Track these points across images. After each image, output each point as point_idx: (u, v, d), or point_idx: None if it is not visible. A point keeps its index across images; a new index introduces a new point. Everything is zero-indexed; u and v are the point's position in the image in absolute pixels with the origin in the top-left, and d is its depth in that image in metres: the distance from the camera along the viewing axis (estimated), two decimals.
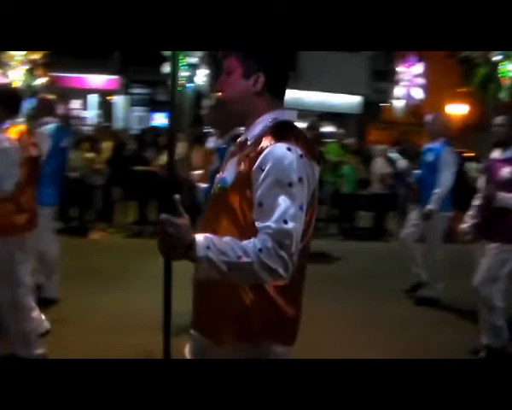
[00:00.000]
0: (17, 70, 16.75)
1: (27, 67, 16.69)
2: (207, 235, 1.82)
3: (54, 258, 5.78)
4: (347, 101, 23.71)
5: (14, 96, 4.34)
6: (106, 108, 23.02)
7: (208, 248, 1.77)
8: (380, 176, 10.68)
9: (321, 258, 8.37)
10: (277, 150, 1.86)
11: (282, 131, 1.93)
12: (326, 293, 6.49)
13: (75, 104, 20.30)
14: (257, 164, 1.87)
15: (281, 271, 1.80)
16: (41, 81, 16.82)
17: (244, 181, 1.91)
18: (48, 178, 5.20)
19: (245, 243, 1.81)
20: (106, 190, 10.49)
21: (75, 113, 18.55)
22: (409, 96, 20.76)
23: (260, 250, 1.78)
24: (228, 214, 1.96)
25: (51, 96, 6.23)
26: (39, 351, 4.25)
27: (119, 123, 21.14)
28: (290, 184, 1.83)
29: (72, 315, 5.37)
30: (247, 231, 1.87)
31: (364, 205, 11.28)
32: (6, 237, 4.07)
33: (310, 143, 1.99)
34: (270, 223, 1.81)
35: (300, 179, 1.86)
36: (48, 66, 16.72)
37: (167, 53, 19.30)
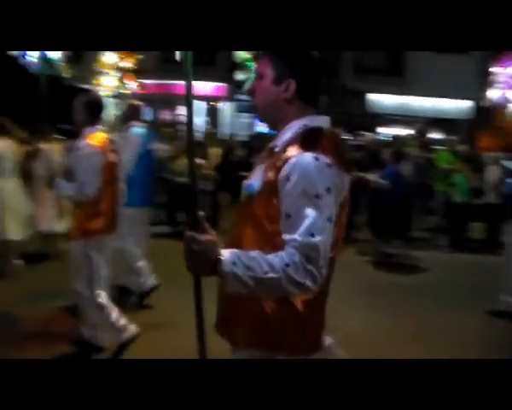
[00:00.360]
0: (110, 77, 17.62)
1: (119, 74, 17.50)
2: (234, 250, 1.80)
3: (135, 258, 5.93)
4: (457, 106, 22.77)
5: (97, 104, 4.54)
6: (213, 114, 23.60)
7: (234, 263, 1.75)
8: (493, 184, 10.15)
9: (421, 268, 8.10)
10: (304, 160, 1.81)
11: (310, 140, 1.88)
12: (426, 305, 6.25)
13: (182, 111, 20.98)
14: (283, 173, 1.83)
15: (309, 284, 1.76)
16: (130, 87, 17.60)
17: (271, 189, 1.87)
18: (135, 181, 5.45)
19: (272, 256, 1.77)
20: (213, 196, 10.66)
21: (182, 119, 19.15)
22: (505, 99, 19.40)
23: (287, 265, 1.74)
24: (253, 222, 1.93)
25: (138, 102, 6.47)
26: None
27: (225, 129, 21.59)
28: (317, 196, 1.78)
29: (182, 318, 5.47)
30: (273, 239, 1.86)
31: (477, 215, 10.74)
32: (85, 240, 4.29)
33: (340, 152, 1.93)
34: (297, 236, 1.77)
35: (328, 190, 1.81)
36: (139, 72, 17.38)
37: (239, 59, 19.90)
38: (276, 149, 1.96)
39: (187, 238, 1.80)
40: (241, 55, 19.46)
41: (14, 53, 7.10)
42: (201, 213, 1.87)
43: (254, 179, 1.99)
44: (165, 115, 23.08)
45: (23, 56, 7.06)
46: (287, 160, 1.84)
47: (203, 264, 1.79)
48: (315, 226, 1.76)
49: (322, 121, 2.01)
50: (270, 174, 1.89)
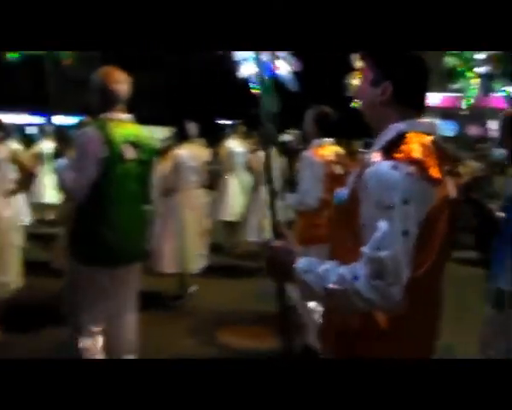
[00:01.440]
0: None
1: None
2: (310, 258, 1.81)
3: None
4: None
5: (325, 118, 4.66)
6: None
7: (307, 272, 1.76)
8: None
9: None
10: (380, 169, 1.71)
11: (393, 147, 1.76)
12: None
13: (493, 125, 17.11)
14: (363, 181, 1.74)
15: (377, 301, 1.65)
16: None
17: (355, 197, 1.79)
18: None
19: (345, 268, 1.72)
20: None
21: (492, 134, 16.29)
22: None
23: (356, 278, 1.67)
24: (343, 231, 1.88)
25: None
26: None
27: None
28: (391, 207, 1.66)
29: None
30: (358, 251, 1.73)
31: None
32: (305, 247, 4.24)
33: (434, 160, 1.75)
34: (366, 249, 1.68)
35: (405, 201, 1.67)
36: None
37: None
38: (367, 156, 1.87)
39: (266, 245, 1.89)
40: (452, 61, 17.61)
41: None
42: (279, 220, 1.94)
43: (346, 188, 1.92)
44: (473, 130, 21.69)
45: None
46: (368, 167, 1.76)
47: (279, 270, 1.85)
48: (384, 240, 1.65)
49: (425, 126, 1.87)
50: (355, 182, 1.82)
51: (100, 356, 3.58)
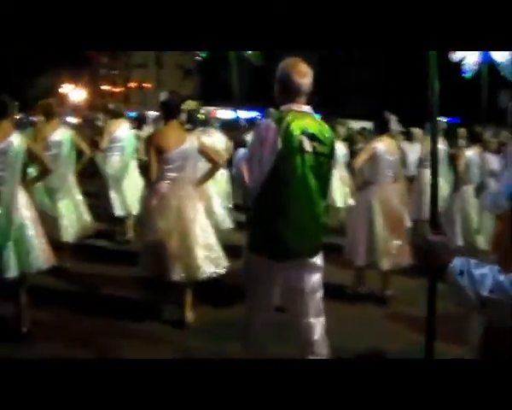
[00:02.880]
0: None
1: None
2: (467, 259, 1.67)
3: None
4: None
5: None
6: None
7: (461, 274, 1.62)
8: None
9: None
10: None
11: None
12: None
13: None
14: None
15: None
16: None
17: None
18: None
19: (505, 277, 1.58)
20: None
21: None
22: None
23: None
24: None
25: None
26: None
27: None
28: None
29: None
30: None
31: None
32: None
33: None
34: None
35: None
36: None
37: None
38: None
39: (421, 237, 1.78)
40: None
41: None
42: (439, 213, 1.83)
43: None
44: None
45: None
46: None
47: (431, 266, 1.74)
48: None
49: None
50: None
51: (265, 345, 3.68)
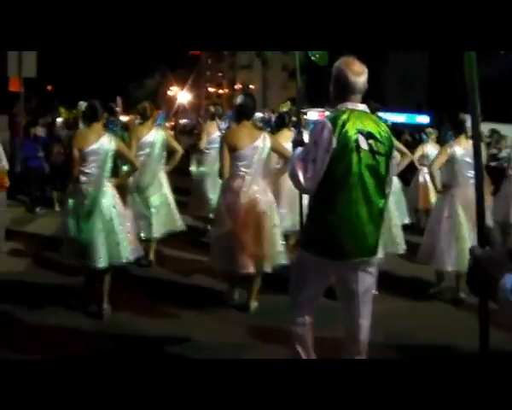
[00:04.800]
0: None
1: None
2: None
3: None
4: None
5: None
6: None
7: None
8: None
9: None
10: None
11: None
12: None
13: None
14: None
15: None
16: None
17: None
18: None
19: None
20: None
21: None
22: None
23: None
24: None
25: None
26: None
27: None
28: None
29: None
30: None
31: None
32: None
33: None
34: None
35: None
36: None
37: None
38: None
39: (470, 250, 1.66)
40: None
41: None
42: (489, 224, 1.73)
43: None
44: None
45: None
46: None
47: (479, 283, 1.60)
48: None
49: None
50: None
51: (309, 346, 3.73)
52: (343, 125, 3.32)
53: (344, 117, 3.36)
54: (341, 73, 3.46)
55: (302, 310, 3.68)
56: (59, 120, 12.09)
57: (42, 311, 5.49)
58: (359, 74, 3.45)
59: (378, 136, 3.43)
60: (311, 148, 3.40)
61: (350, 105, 3.45)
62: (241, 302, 5.77)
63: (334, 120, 3.36)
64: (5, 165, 7.73)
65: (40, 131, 11.21)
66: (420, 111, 35.45)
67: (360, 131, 3.35)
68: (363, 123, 3.40)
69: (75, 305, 5.61)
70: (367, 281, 3.58)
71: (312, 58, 4.60)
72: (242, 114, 5.60)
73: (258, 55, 5.11)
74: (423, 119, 33.76)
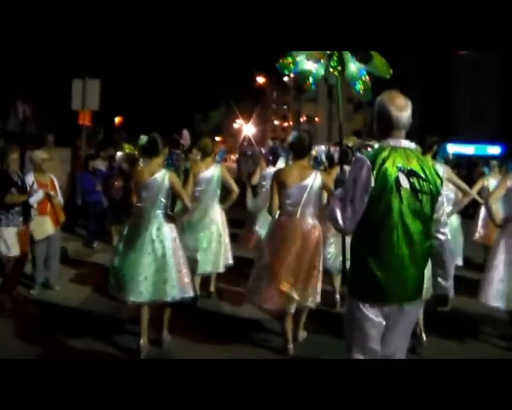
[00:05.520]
0: None
1: None
2: None
3: None
4: None
5: None
6: None
7: None
8: None
9: None
10: None
11: None
12: None
13: None
14: None
15: None
16: None
17: None
18: None
19: None
20: None
21: None
22: None
23: None
24: None
25: None
26: None
27: None
28: None
29: None
30: None
31: None
32: None
33: None
34: None
35: None
36: None
37: None
38: None
39: None
40: None
41: None
42: None
43: None
44: None
45: None
46: None
47: None
48: None
49: None
50: None
51: None
52: (383, 163, 3.22)
53: (384, 154, 3.26)
54: (384, 108, 3.36)
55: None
56: (119, 153, 12.18)
57: (96, 343, 5.66)
58: (403, 109, 3.34)
59: (421, 173, 3.31)
60: (349, 187, 3.29)
61: (392, 142, 3.34)
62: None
63: (373, 158, 3.26)
64: (61, 199, 7.86)
65: (100, 164, 11.21)
66: (491, 142, 34.42)
67: (401, 169, 3.25)
68: (405, 160, 3.29)
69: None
70: (409, 321, 3.51)
71: (358, 95, 4.63)
72: (294, 151, 5.66)
73: (325, 81, 4.93)
74: (494, 149, 32.74)
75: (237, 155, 24.66)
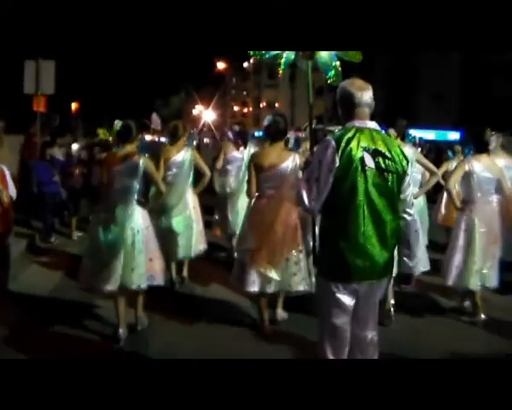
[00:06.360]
0: None
1: None
2: None
3: None
4: None
5: None
6: None
7: None
8: None
9: None
10: None
11: None
12: None
13: None
14: None
15: None
16: None
17: None
18: None
19: None
20: None
21: None
22: None
23: None
24: None
25: None
26: None
27: None
28: None
29: None
30: None
31: None
32: None
33: None
34: None
35: None
36: None
37: None
38: None
39: None
40: None
41: None
42: None
43: None
44: None
45: None
46: None
47: None
48: None
49: None
50: None
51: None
52: (347, 143, 3.31)
53: (349, 135, 3.35)
54: (345, 90, 3.51)
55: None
56: (75, 145, 11.21)
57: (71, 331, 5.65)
58: (363, 89, 3.48)
59: (387, 153, 3.39)
60: (314, 167, 3.38)
61: (357, 123, 3.44)
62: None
63: (338, 139, 3.35)
64: (13, 193, 6.18)
65: (57, 152, 10.29)
66: (451, 128, 35.22)
67: (366, 149, 3.33)
68: (370, 141, 3.37)
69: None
70: (377, 296, 3.62)
71: (329, 81, 4.69)
72: (269, 135, 5.64)
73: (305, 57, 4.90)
74: (454, 135, 33.43)
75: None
